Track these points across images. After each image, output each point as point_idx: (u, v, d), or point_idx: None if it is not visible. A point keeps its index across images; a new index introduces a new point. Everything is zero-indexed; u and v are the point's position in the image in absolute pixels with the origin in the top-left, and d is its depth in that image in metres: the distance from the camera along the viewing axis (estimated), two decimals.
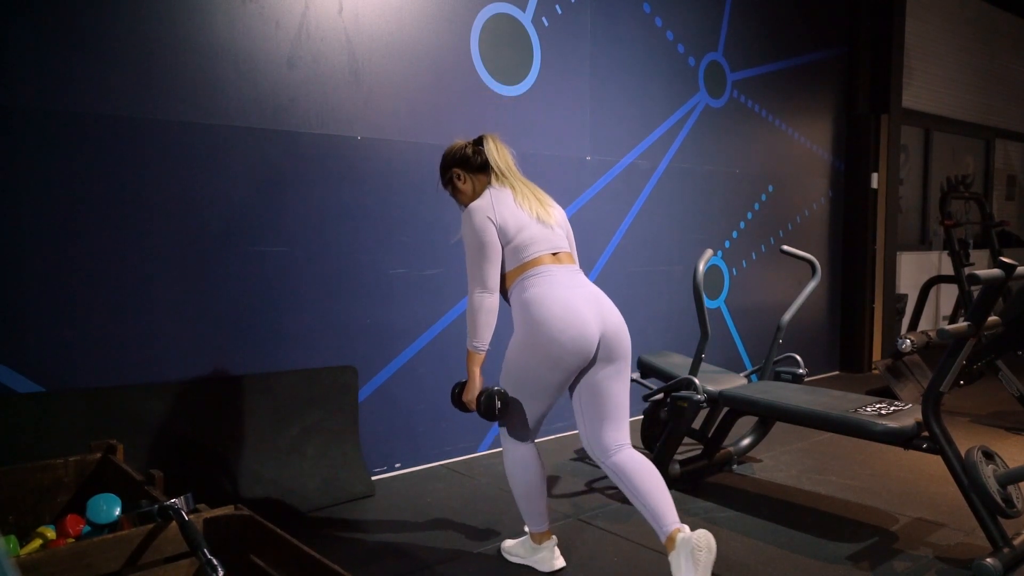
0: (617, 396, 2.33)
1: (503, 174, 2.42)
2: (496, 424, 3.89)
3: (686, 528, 2.18)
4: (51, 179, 2.63)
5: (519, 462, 2.42)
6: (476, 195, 2.43)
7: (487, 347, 2.34)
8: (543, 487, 2.47)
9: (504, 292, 2.38)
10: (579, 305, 2.24)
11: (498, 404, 2.28)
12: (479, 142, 2.47)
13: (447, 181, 2.52)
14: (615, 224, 4.43)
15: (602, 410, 2.32)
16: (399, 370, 3.53)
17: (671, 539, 2.17)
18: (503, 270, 2.34)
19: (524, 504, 2.47)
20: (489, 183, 2.42)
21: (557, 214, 2.44)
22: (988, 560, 2.42)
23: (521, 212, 2.34)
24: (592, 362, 2.29)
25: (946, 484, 3.26)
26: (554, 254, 2.35)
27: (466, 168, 2.45)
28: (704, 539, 2.12)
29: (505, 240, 2.32)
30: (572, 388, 2.37)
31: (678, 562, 2.13)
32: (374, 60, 3.38)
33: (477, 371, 2.35)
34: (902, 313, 6.42)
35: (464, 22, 3.66)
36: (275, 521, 1.85)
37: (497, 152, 2.44)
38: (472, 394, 2.33)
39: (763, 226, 5.42)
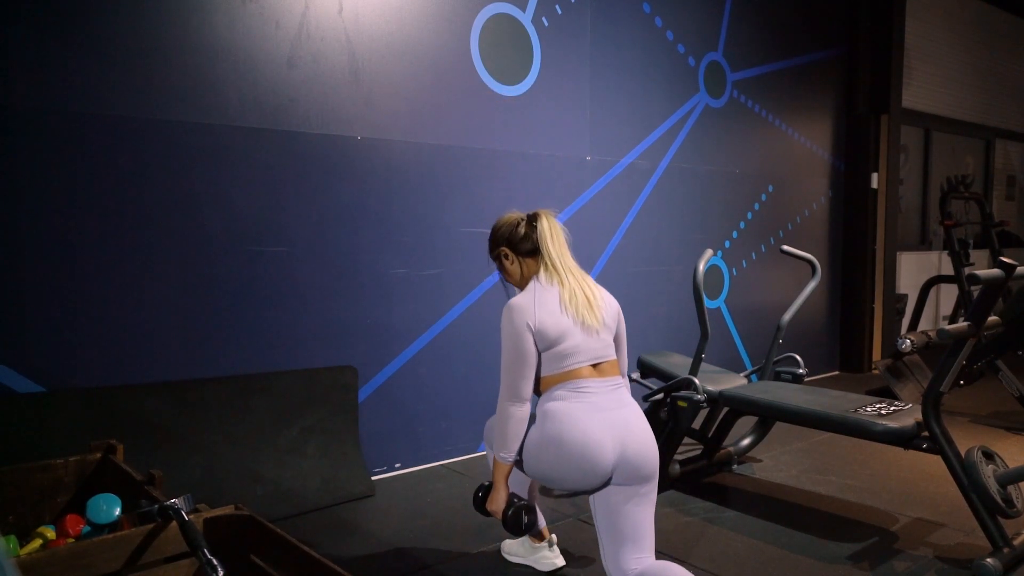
0: (636, 518, 2.11)
1: (553, 267, 2.21)
2: None
3: None
4: (51, 179, 2.63)
5: None
6: (523, 279, 2.28)
7: (516, 457, 2.18)
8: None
9: (537, 390, 2.23)
10: (598, 433, 2.06)
11: (525, 520, 2.20)
12: (532, 220, 2.27)
13: (495, 257, 2.35)
14: (615, 224, 4.43)
15: (619, 532, 2.11)
16: (399, 370, 3.53)
17: None
18: (538, 374, 2.17)
19: None
20: (537, 271, 2.24)
21: (606, 314, 2.22)
22: (988, 560, 2.42)
23: (564, 317, 2.14)
24: (608, 483, 2.11)
25: (946, 484, 3.26)
26: (595, 365, 2.16)
27: (515, 250, 2.27)
28: None
29: (544, 346, 2.13)
30: (590, 497, 2.20)
31: None
32: (374, 60, 3.38)
33: (503, 482, 2.20)
34: (902, 313, 6.42)
35: (464, 22, 3.66)
36: (275, 521, 1.86)
37: (551, 237, 2.23)
38: (498, 505, 2.21)
39: (763, 226, 5.41)
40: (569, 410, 2.09)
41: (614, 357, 2.22)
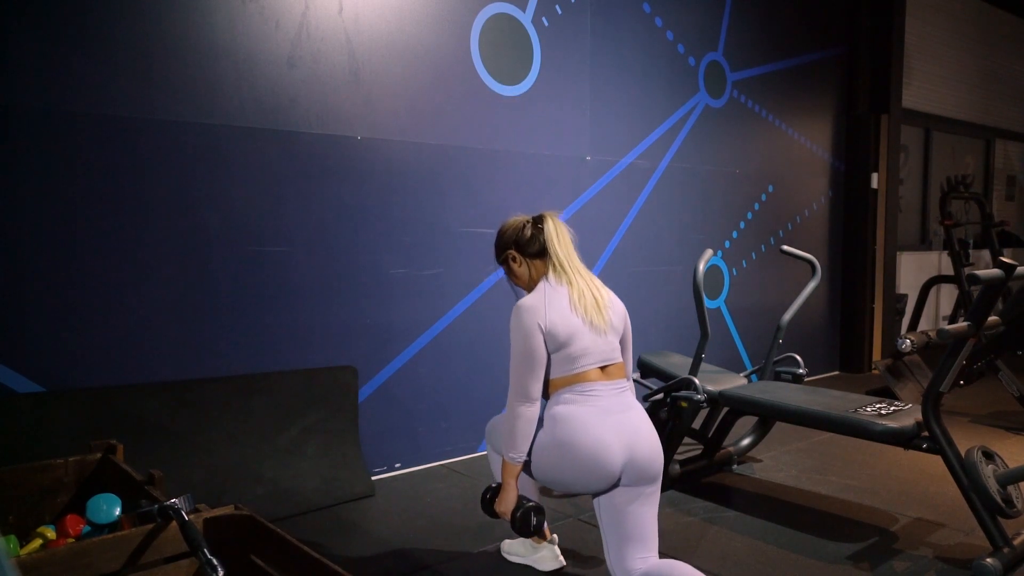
0: (642, 518, 2.15)
1: (562, 267, 2.22)
2: None
3: None
4: (51, 179, 2.63)
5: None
6: (532, 281, 2.28)
7: (525, 458, 2.17)
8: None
9: (545, 394, 2.23)
10: (607, 437, 2.09)
11: (534, 521, 2.19)
12: (538, 222, 2.28)
13: (502, 260, 2.35)
14: (615, 224, 4.43)
15: (624, 532, 2.15)
16: (399, 370, 3.53)
17: None
18: (547, 376, 2.18)
19: None
20: (546, 272, 2.25)
21: (613, 316, 2.23)
22: (988, 560, 2.42)
23: (574, 318, 2.15)
24: (615, 486, 2.14)
25: (946, 484, 3.26)
26: (602, 368, 2.18)
27: (523, 252, 2.28)
28: None
29: (554, 347, 2.13)
30: (594, 499, 2.21)
31: None
32: (374, 60, 3.38)
33: (513, 483, 2.19)
34: (902, 313, 6.42)
35: (464, 22, 3.66)
36: (275, 521, 1.86)
37: (557, 238, 2.25)
38: (507, 506, 2.20)
39: (763, 226, 5.41)
40: (578, 414, 2.10)
41: (620, 360, 2.23)
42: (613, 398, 2.15)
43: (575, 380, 2.15)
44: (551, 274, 2.23)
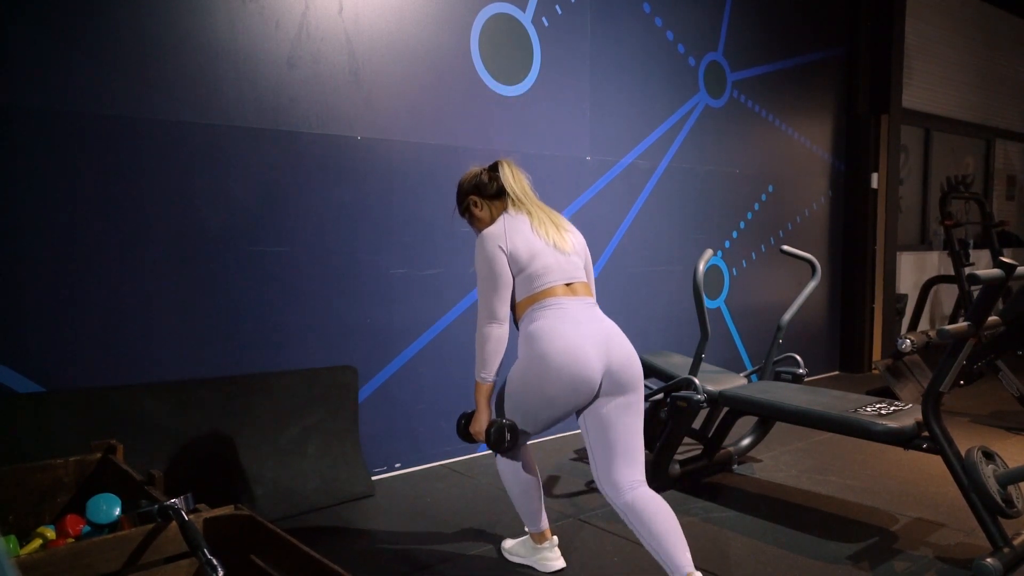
0: (627, 429, 2.18)
1: (519, 200, 2.35)
2: None
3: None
4: (51, 179, 2.63)
5: (511, 465, 2.44)
6: (493, 221, 2.36)
7: (495, 378, 2.29)
8: (538, 487, 2.48)
9: (515, 320, 2.33)
10: (583, 343, 2.14)
11: (507, 437, 2.27)
12: (494, 168, 2.41)
13: (464, 209, 2.45)
14: (615, 224, 4.43)
15: (611, 444, 2.17)
16: (399, 370, 3.53)
17: None
18: (515, 299, 2.28)
19: (520, 505, 2.48)
20: (505, 209, 2.36)
21: (574, 240, 2.36)
22: (988, 560, 2.42)
23: (536, 239, 2.27)
24: (596, 396, 2.18)
25: (946, 484, 3.26)
26: (568, 284, 2.26)
27: (482, 195, 2.39)
28: None
29: (517, 269, 2.25)
30: (579, 416, 2.26)
31: None
32: (374, 60, 3.38)
33: (485, 403, 2.30)
34: (902, 313, 6.42)
35: (464, 22, 3.66)
36: (275, 521, 1.86)
37: (513, 178, 2.37)
38: (480, 425, 2.31)
39: (763, 226, 5.41)
40: (550, 326, 2.17)
41: (585, 280, 2.33)
42: (581, 311, 2.22)
43: (542, 296, 2.24)
44: (510, 207, 2.35)
